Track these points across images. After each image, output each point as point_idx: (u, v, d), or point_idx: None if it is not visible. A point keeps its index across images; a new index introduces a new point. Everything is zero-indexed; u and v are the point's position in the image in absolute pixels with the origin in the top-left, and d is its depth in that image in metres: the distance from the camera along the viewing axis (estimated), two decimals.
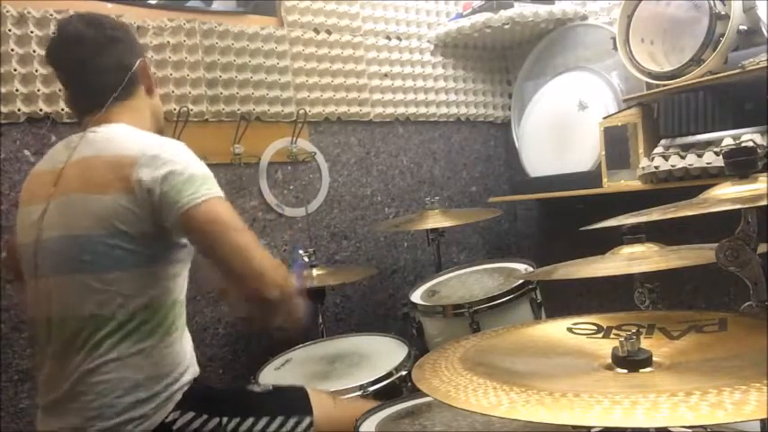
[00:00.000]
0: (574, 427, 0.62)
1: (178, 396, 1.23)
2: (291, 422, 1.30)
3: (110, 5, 1.86)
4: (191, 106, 1.97)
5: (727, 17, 1.65)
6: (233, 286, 1.24)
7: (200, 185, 1.18)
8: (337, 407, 1.40)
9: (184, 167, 1.19)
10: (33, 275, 1.25)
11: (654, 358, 0.76)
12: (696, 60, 1.70)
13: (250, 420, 1.28)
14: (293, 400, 1.36)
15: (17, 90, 1.70)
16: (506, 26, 2.34)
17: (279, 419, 1.30)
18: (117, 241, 1.17)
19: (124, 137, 1.25)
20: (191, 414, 1.23)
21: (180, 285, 1.29)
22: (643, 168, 1.82)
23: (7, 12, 1.69)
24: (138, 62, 1.33)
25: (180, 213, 1.16)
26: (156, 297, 1.22)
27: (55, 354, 1.22)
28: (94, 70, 1.30)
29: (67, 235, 1.20)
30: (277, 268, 1.20)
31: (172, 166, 1.18)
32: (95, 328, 1.18)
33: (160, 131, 1.38)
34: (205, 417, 1.24)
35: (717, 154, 1.63)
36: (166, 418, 1.20)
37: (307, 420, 1.32)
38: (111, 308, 1.18)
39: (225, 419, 1.25)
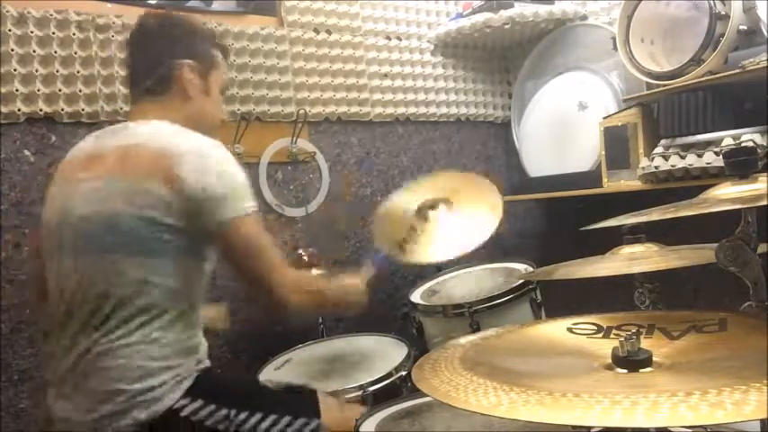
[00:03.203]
0: (574, 427, 0.62)
1: (188, 383, 1.23)
2: (299, 423, 1.30)
3: (110, 5, 1.85)
4: None
5: (727, 17, 1.65)
6: (261, 299, 1.31)
7: (240, 200, 1.25)
8: (345, 410, 1.40)
9: (229, 178, 1.25)
10: (59, 252, 1.27)
11: (654, 358, 0.76)
12: (696, 60, 1.70)
13: (258, 416, 1.27)
14: (302, 402, 1.37)
15: (17, 90, 1.70)
16: (506, 26, 2.34)
17: (286, 419, 1.29)
18: (151, 228, 1.20)
19: (171, 132, 1.29)
20: (199, 402, 1.23)
21: (203, 283, 1.32)
22: (643, 168, 1.81)
23: (7, 12, 1.69)
24: (179, 63, 1.35)
25: (216, 225, 1.22)
26: (180, 289, 1.25)
27: (71, 330, 1.24)
28: (140, 62, 1.38)
29: (102, 215, 1.22)
30: (295, 275, 1.33)
31: (217, 174, 1.23)
32: (114, 308, 1.20)
33: None
34: (213, 407, 1.24)
35: (717, 154, 1.63)
36: (174, 404, 1.21)
37: (314, 423, 1.32)
38: (133, 291, 1.20)
39: (233, 412, 1.25)
